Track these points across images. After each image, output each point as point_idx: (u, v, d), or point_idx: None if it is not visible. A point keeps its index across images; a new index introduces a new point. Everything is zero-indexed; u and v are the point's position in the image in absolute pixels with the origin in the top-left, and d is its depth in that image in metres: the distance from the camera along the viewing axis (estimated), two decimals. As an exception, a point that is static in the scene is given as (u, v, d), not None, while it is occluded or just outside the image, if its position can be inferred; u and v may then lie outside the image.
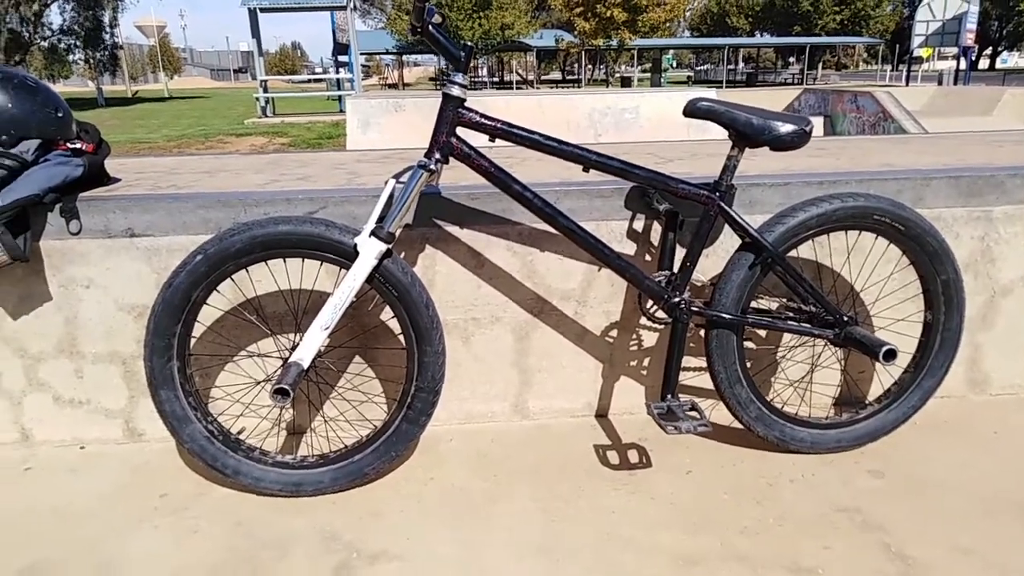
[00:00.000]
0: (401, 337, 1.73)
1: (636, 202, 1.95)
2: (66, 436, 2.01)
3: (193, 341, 1.74)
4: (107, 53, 34.25)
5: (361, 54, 25.09)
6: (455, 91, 1.59)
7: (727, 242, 1.97)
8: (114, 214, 1.85)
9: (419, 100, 9.44)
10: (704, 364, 1.87)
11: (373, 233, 1.59)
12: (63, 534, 1.64)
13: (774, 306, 2.01)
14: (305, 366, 1.59)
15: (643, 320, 2.02)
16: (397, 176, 1.68)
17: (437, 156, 1.62)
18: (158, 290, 1.64)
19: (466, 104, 1.62)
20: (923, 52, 27.49)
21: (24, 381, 1.96)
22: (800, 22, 43.14)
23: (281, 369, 1.58)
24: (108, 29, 34.12)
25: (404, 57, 52.25)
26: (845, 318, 1.82)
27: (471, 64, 1.61)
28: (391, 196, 1.64)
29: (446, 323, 1.95)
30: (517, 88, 38.53)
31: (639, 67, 47.26)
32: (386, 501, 1.75)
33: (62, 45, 32.80)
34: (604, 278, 2.01)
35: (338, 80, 22.59)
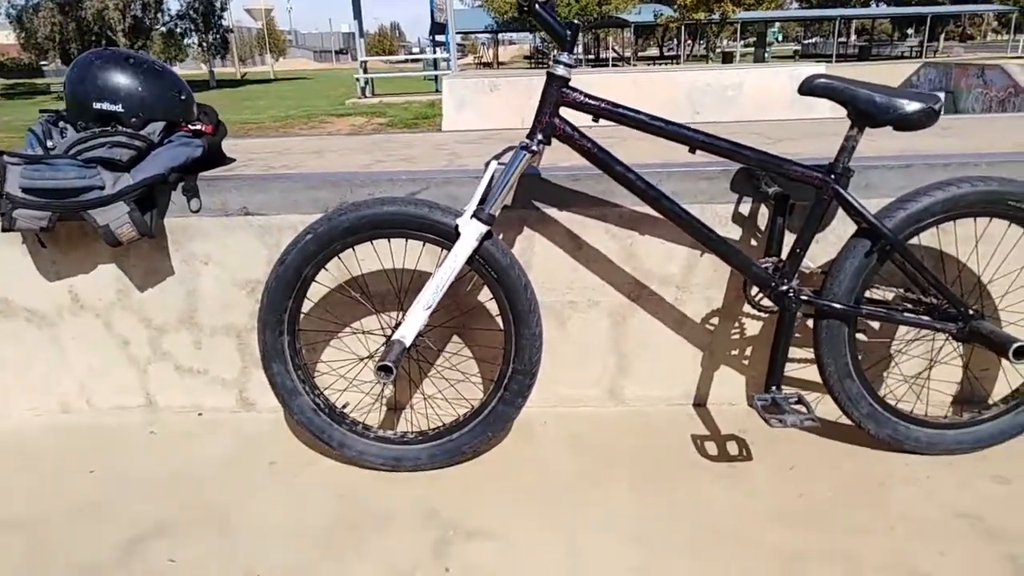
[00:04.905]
0: (499, 318, 1.74)
1: (743, 185, 1.88)
2: (186, 403, 2.14)
3: (302, 317, 1.81)
4: (219, 37, 36.01)
5: (457, 33, 25.27)
6: (560, 71, 1.57)
7: (839, 228, 1.87)
8: (231, 193, 1.94)
9: (513, 79, 9.38)
10: (811, 355, 1.80)
11: (475, 215, 1.60)
12: (184, 496, 1.76)
13: (890, 296, 1.89)
14: (407, 344, 1.63)
15: (747, 308, 1.96)
16: (498, 157, 1.68)
17: (539, 137, 1.61)
18: (270, 267, 1.72)
19: (571, 84, 1.60)
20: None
21: (149, 350, 2.09)
22: (921, -11, 40.12)
23: (385, 346, 1.63)
24: (219, 13, 35.88)
25: (499, 36, 52.23)
26: (970, 312, 1.70)
27: (576, 43, 1.58)
28: (492, 178, 1.65)
29: (542, 305, 1.94)
30: (613, 65, 37.85)
31: (742, 41, 45.23)
32: (482, 480, 1.78)
33: (178, 30, 34.75)
34: (706, 263, 1.96)
35: (435, 60, 22.86)
